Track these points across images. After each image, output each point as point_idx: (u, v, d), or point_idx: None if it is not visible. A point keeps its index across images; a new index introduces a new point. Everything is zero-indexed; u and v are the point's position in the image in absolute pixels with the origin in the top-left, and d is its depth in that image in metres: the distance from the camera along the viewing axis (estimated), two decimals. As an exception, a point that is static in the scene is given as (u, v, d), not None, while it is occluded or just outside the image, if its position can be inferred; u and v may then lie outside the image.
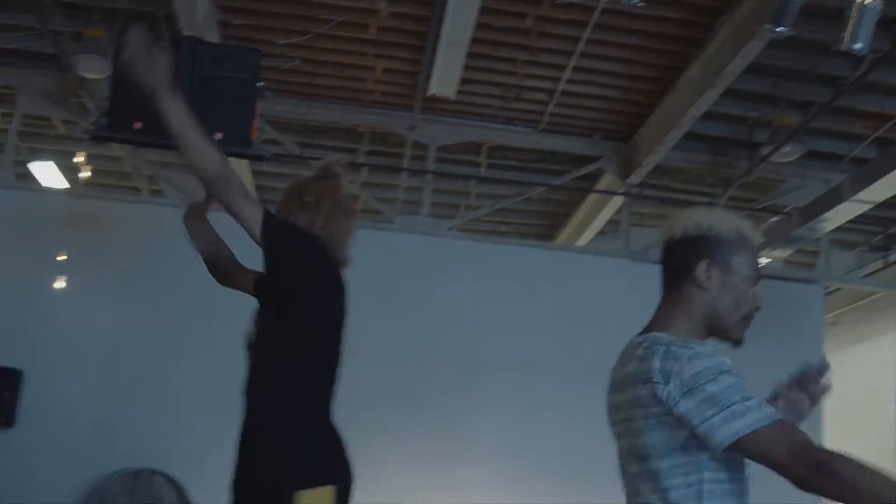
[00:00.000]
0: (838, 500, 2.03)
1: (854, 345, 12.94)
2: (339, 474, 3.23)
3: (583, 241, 11.55)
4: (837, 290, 11.92)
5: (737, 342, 2.55)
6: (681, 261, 2.51)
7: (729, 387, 2.19)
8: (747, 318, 2.54)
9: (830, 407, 10.30)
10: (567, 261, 10.28)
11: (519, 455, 9.49)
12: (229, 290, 3.93)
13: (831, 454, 2.08)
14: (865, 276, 11.65)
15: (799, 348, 10.45)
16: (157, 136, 5.35)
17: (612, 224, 11.34)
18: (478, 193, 11.69)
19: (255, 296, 3.47)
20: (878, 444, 12.14)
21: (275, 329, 3.30)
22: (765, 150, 9.69)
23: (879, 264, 11.49)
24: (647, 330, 2.54)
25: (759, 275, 2.56)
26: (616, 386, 2.61)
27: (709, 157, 10.40)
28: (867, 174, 9.08)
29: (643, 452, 2.33)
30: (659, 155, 9.82)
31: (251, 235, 3.22)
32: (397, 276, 9.87)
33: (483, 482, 9.40)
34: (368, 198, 10.73)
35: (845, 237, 11.77)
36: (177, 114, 3.04)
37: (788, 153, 9.66)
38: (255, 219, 3.15)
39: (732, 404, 2.16)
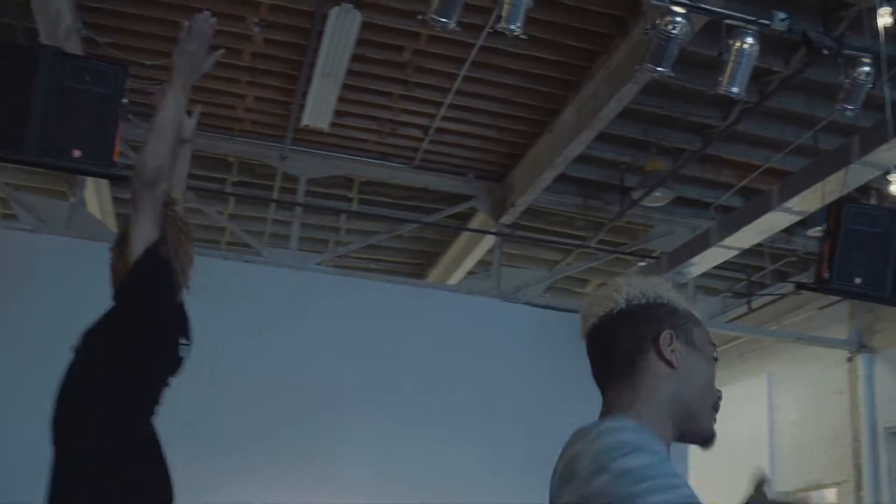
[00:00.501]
0: None
1: (724, 385, 13.15)
2: None
3: (453, 280, 11.46)
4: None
5: (707, 441, 2.05)
6: (633, 335, 1.95)
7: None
8: (716, 409, 2.08)
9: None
10: (437, 299, 10.18)
11: (383, 491, 9.30)
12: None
13: None
14: (730, 320, 11.89)
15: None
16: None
17: (483, 264, 11.30)
18: (348, 229, 11.49)
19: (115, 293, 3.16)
20: (749, 470, 12.34)
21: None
22: (635, 195, 9.79)
23: (743, 309, 11.73)
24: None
25: (716, 356, 2.10)
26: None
27: (580, 200, 10.45)
28: (733, 221, 9.25)
29: None
30: (532, 196, 9.83)
31: (123, 243, 3.11)
32: (263, 309, 9.61)
33: None
34: (236, 229, 10.43)
35: (711, 283, 12.02)
36: (179, 109, 3.13)
37: (658, 198, 9.80)
38: (145, 236, 3.00)
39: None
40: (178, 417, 4.25)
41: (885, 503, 10.53)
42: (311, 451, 9.15)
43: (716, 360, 2.08)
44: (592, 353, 2.07)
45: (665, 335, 1.92)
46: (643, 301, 1.96)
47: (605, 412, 1.95)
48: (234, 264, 9.79)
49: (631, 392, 1.92)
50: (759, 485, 2.85)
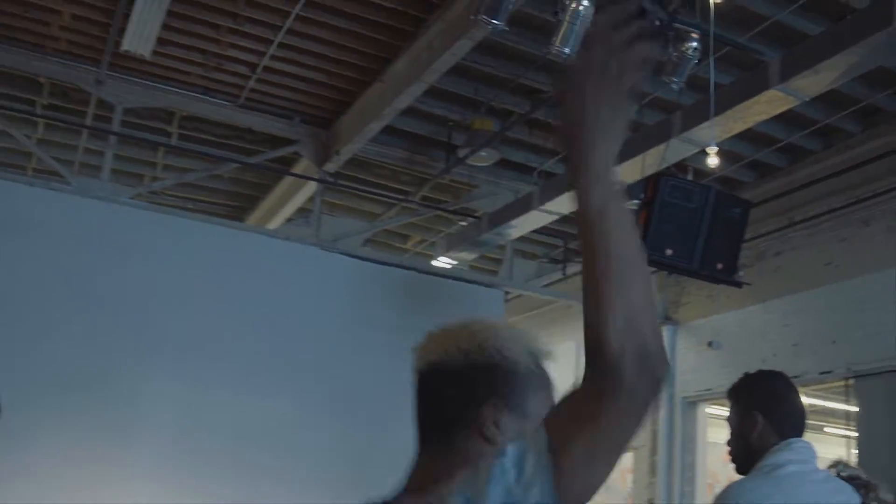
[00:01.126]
0: None
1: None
2: None
3: (272, 225, 11.19)
4: (517, 297, 12.27)
5: None
6: (454, 400, 1.69)
7: None
8: None
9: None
10: (255, 243, 9.90)
11: (187, 439, 9.05)
12: None
13: None
14: (545, 285, 12.08)
15: (476, 351, 10.66)
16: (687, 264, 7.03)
17: (303, 211, 11.08)
18: (165, 164, 11.03)
19: None
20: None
21: None
22: (461, 153, 9.76)
23: (559, 275, 11.92)
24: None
25: None
26: None
27: (406, 154, 10.36)
28: (555, 186, 9.37)
29: None
30: (357, 145, 9.67)
31: None
32: (69, 241, 9.13)
33: (146, 470, 8.85)
34: (44, 155, 9.85)
35: (529, 248, 12.16)
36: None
37: (484, 158, 9.81)
38: None
39: None
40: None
41: (677, 466, 10.98)
42: (113, 396, 8.79)
43: None
44: (419, 396, 1.78)
45: (488, 409, 1.64)
46: (476, 359, 1.68)
47: (410, 483, 1.66)
48: (40, 192, 9.24)
49: (447, 469, 1.57)
50: None
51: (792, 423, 2.78)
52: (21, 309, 8.66)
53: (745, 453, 2.76)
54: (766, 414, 2.77)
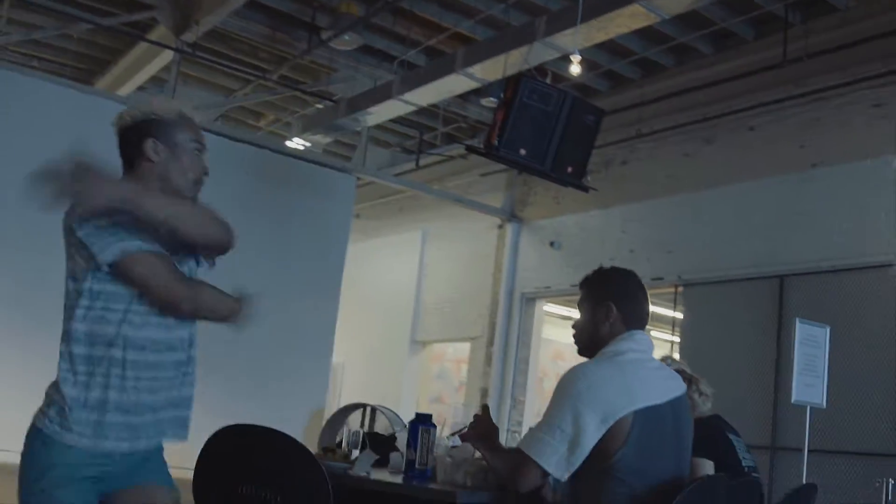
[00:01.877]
0: None
1: (377, 237, 13.57)
2: None
3: (123, 92, 10.85)
4: (368, 183, 12.37)
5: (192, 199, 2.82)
6: (131, 142, 2.75)
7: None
8: (198, 182, 2.90)
9: (353, 291, 10.78)
10: (105, 109, 9.52)
11: (25, 305, 8.88)
12: None
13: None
14: (397, 174, 12.19)
15: (327, 232, 10.74)
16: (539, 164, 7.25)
17: (156, 80, 10.80)
18: (10, 18, 10.48)
19: None
20: (396, 319, 12.93)
21: None
22: (324, 35, 9.66)
23: (411, 166, 12.04)
24: None
25: (202, 146, 2.91)
26: None
27: (268, 30, 10.15)
28: (415, 78, 9.41)
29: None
30: (218, 17, 9.43)
31: None
32: None
33: None
34: None
35: (384, 136, 12.21)
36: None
37: (346, 42, 9.72)
38: None
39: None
40: None
41: (511, 358, 11.42)
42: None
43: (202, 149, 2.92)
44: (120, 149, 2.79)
45: (149, 142, 2.73)
46: (142, 119, 2.75)
47: None
48: None
49: (135, 181, 2.72)
50: (485, 410, 3.13)
51: (638, 317, 3.03)
52: None
53: (593, 339, 3.00)
54: (618, 306, 2.99)
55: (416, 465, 3.36)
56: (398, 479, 3.35)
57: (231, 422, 8.00)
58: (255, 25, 10.05)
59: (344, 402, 11.19)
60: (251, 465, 2.86)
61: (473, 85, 8.97)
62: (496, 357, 11.46)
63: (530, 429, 3.10)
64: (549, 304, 12.16)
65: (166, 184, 2.75)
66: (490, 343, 11.57)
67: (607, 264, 3.29)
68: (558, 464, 2.74)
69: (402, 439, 3.94)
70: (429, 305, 12.78)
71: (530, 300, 11.54)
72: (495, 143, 7.12)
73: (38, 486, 2.51)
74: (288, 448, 2.80)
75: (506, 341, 11.47)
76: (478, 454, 3.19)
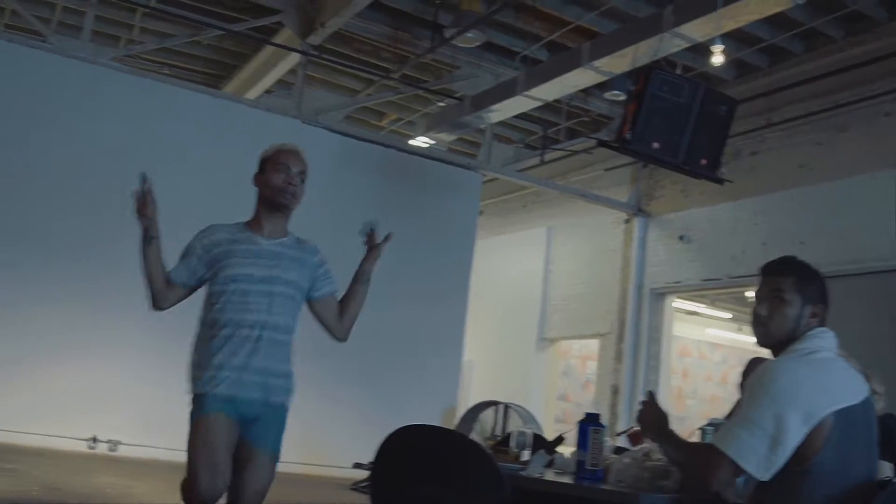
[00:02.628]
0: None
1: (501, 234, 13.54)
2: None
3: (250, 96, 11.05)
4: (492, 180, 12.36)
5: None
6: None
7: None
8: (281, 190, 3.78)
9: (478, 289, 10.77)
10: (234, 113, 9.83)
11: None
12: None
13: None
14: (521, 170, 12.14)
15: (454, 230, 10.76)
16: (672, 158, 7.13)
17: (282, 84, 10.96)
18: (143, 28, 10.79)
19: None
20: (523, 317, 12.88)
21: None
22: (447, 33, 9.66)
23: (534, 161, 11.95)
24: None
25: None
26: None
27: (391, 31, 10.22)
28: (540, 73, 9.34)
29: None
30: (342, 19, 9.52)
31: None
32: (47, 100, 9.00)
33: (132, 337, 8.88)
34: (22, 11, 9.61)
35: (507, 133, 12.16)
36: None
37: (469, 40, 9.71)
38: None
39: None
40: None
41: (642, 354, 11.26)
42: (96, 262, 8.81)
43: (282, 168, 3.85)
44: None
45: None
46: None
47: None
48: (18, 48, 9.08)
49: None
50: (650, 397, 3.07)
51: (826, 315, 2.93)
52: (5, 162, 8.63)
53: (788, 334, 2.86)
54: (825, 305, 2.91)
55: (588, 466, 3.21)
56: (568, 480, 3.25)
57: (363, 421, 8.10)
58: (378, 26, 10.11)
59: (473, 401, 11.21)
60: (428, 465, 2.87)
61: (599, 79, 8.86)
62: (626, 354, 11.31)
63: (723, 424, 2.97)
64: (675, 300, 11.94)
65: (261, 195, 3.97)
66: (620, 340, 11.43)
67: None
68: (759, 463, 2.61)
69: (529, 438, 3.89)
70: (555, 302, 12.69)
71: (659, 295, 11.36)
72: (627, 136, 7.02)
73: None
74: (466, 449, 2.82)
75: (636, 338, 11.31)
76: (655, 455, 3.09)
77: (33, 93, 8.85)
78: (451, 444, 2.86)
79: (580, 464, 3.24)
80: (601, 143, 7.78)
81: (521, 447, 3.83)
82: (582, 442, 3.25)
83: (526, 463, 3.55)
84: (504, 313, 13.08)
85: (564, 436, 4.07)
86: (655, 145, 7.00)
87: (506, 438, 4.17)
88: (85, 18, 9.44)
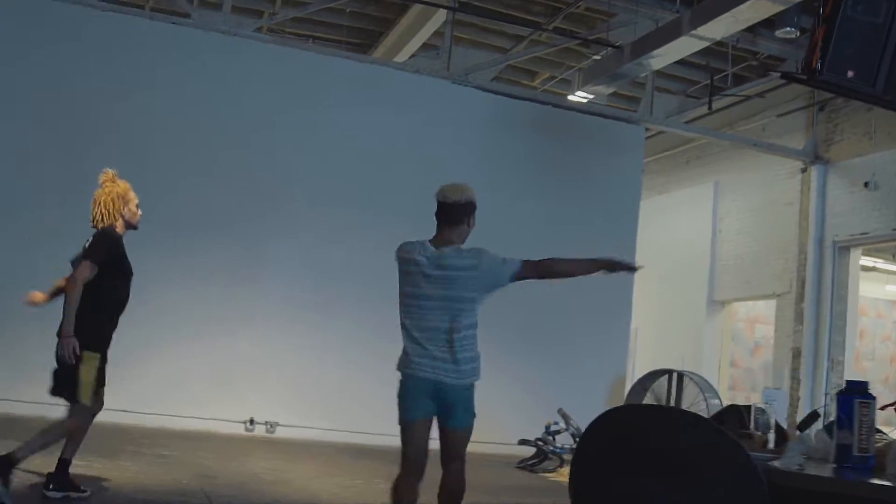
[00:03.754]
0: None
1: (664, 193, 12.83)
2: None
3: (400, 59, 10.62)
4: (655, 135, 11.66)
5: None
6: (468, 211, 4.23)
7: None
8: None
9: (641, 251, 10.16)
10: (383, 77, 9.46)
11: (315, 280, 8.88)
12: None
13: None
14: (688, 122, 11.31)
15: (616, 188, 10.15)
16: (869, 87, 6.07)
17: (430, 47, 10.48)
18: (284, 2, 10.48)
19: None
20: (690, 279, 12.17)
21: None
22: (600, -22, 9.04)
23: (702, 111, 11.15)
24: (447, 242, 4.22)
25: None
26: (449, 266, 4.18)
27: (540, -19, 9.67)
28: (707, 9, 8.60)
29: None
30: (490, -30, 9.02)
31: None
32: (192, 75, 8.81)
33: (275, 309, 8.74)
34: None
35: (666, 84, 11.39)
36: None
37: (624, -16, 9.06)
38: None
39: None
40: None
41: (825, 314, 10.41)
42: (244, 237, 8.63)
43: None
44: (448, 211, 4.23)
45: (474, 215, 4.34)
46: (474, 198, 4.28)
47: (435, 240, 4.26)
48: (160, 25, 8.90)
49: (458, 235, 4.24)
50: None
51: None
52: (154, 135, 8.46)
53: None
54: None
55: (855, 452, 2.47)
56: (826, 472, 2.49)
57: (528, 396, 7.68)
58: (526, -23, 9.57)
59: (639, 370, 10.61)
60: (652, 455, 2.29)
61: (776, 8, 8.09)
62: (808, 314, 10.46)
63: None
64: (866, 257, 11.01)
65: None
66: (800, 299, 10.58)
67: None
68: None
69: (713, 407, 3.22)
70: (725, 262, 11.89)
71: (844, 249, 10.45)
72: (817, 66, 6.23)
73: None
74: (703, 433, 2.23)
75: (817, 296, 10.44)
76: None
77: (178, 68, 8.70)
78: (686, 430, 2.26)
79: (843, 449, 2.51)
80: (786, 76, 7.06)
81: (765, 429, 2.99)
82: (845, 419, 2.52)
83: (775, 451, 2.83)
84: (669, 277, 12.35)
85: (819, 411, 3.32)
86: (850, 74, 6.20)
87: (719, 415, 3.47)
88: (224, -3, 9.18)
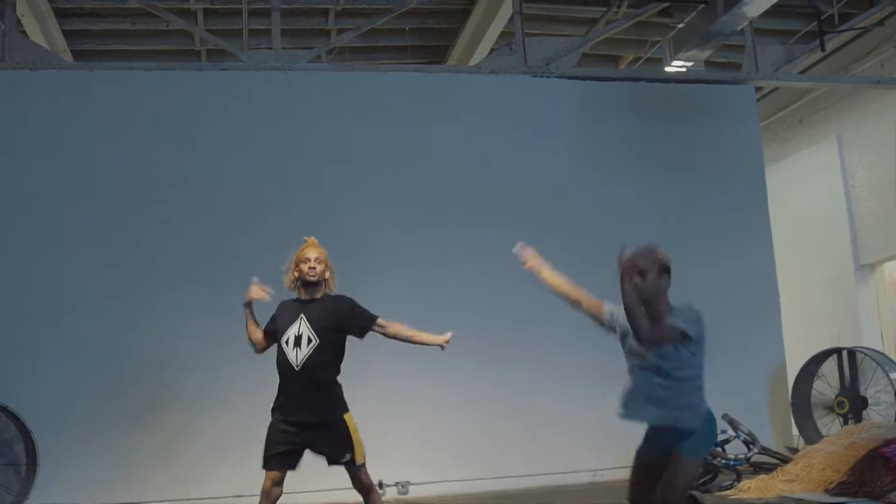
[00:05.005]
0: None
1: (781, 159, 11.66)
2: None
3: (474, 61, 9.71)
4: (762, 98, 10.54)
5: None
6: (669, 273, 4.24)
7: None
8: None
9: (780, 224, 9.06)
10: (457, 84, 8.67)
11: (419, 313, 8.01)
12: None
13: None
14: (800, 71, 10.09)
15: (733, 156, 9.12)
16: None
17: (506, 37, 9.56)
18: (341, 11, 9.68)
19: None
20: (830, 245, 10.97)
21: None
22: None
23: (815, 56, 9.96)
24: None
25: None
26: None
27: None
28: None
29: None
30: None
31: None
32: (251, 119, 8.15)
33: (385, 355, 7.89)
34: (205, 35, 8.86)
35: (765, 40, 10.21)
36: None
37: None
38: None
39: None
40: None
41: None
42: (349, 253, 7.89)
43: None
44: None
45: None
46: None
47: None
48: (212, 75, 8.29)
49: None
50: None
51: None
52: (226, 190, 7.93)
53: None
54: None
55: None
56: None
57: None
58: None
59: (790, 354, 9.41)
60: None
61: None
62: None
63: None
64: None
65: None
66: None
67: None
68: None
69: None
70: (868, 221, 10.59)
71: None
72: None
73: None
74: None
75: None
76: None
77: (228, 116, 8.10)
78: None
79: None
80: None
81: None
82: None
83: None
84: (805, 248, 11.14)
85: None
86: None
87: None
88: (272, 21, 8.50)
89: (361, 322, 5.11)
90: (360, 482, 4.88)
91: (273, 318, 5.04)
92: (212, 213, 7.78)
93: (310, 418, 4.81)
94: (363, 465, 4.88)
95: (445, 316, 7.92)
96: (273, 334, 4.99)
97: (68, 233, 7.62)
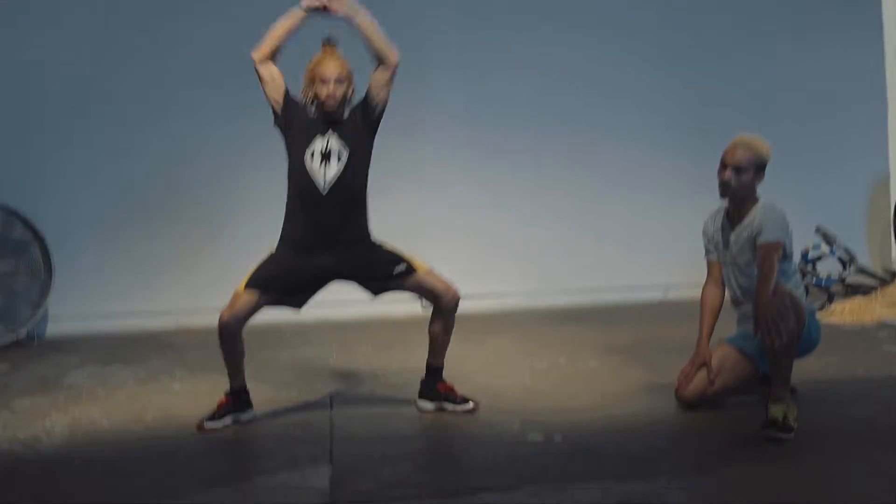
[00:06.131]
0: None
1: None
2: None
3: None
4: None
5: None
6: (764, 168, 4.10)
7: None
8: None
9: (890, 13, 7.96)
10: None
11: (473, 121, 7.35)
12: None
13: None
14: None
15: (858, 37, 7.98)
16: None
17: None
18: None
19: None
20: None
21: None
22: None
23: None
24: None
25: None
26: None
27: None
28: None
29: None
30: None
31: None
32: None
33: (436, 151, 7.32)
34: None
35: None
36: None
37: None
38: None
39: None
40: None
41: None
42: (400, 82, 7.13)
43: None
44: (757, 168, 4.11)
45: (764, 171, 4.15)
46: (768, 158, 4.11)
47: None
48: None
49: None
50: None
51: None
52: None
53: None
54: None
55: None
56: None
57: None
58: None
59: (893, 161, 8.36)
60: None
61: None
62: None
63: None
64: None
65: None
66: None
67: None
68: None
69: None
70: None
71: None
72: None
73: None
74: None
75: None
76: None
77: None
78: None
79: None
80: None
81: None
82: None
83: None
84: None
85: None
86: None
87: None
88: None
89: (370, 98, 4.17)
90: (432, 287, 4.17)
91: (289, 101, 4.17)
92: (243, 7, 6.91)
93: (340, 247, 4.08)
94: (429, 270, 4.18)
95: (507, 117, 7.26)
96: (284, 101, 4.14)
97: (79, 30, 6.85)
